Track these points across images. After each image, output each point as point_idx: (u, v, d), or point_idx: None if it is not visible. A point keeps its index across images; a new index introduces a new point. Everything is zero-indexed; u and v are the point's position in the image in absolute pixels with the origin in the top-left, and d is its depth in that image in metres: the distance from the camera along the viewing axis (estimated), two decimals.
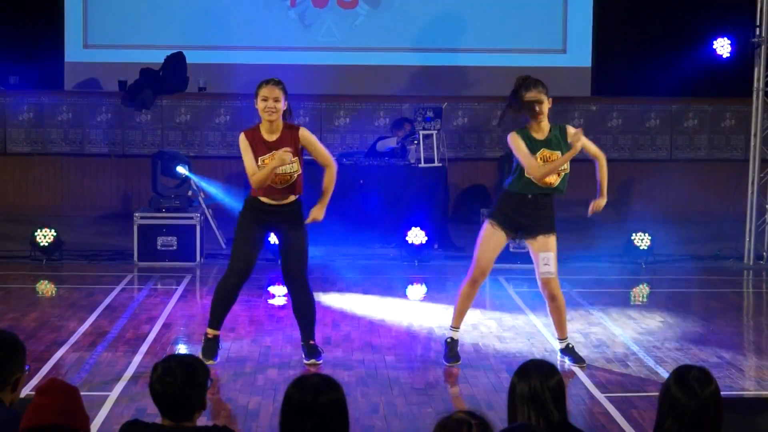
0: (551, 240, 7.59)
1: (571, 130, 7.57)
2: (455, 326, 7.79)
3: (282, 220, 7.50)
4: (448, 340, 7.79)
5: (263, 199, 7.47)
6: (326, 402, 3.56)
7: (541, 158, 7.47)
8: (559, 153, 7.47)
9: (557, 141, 7.52)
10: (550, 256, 7.54)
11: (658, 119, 15.67)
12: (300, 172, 7.44)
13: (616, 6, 16.43)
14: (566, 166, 7.54)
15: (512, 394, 3.95)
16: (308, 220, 7.60)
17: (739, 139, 15.49)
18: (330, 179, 7.61)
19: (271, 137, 7.43)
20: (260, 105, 7.39)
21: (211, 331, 7.71)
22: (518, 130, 7.57)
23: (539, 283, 7.65)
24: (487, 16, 16.28)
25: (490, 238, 7.56)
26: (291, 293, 7.71)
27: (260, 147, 7.40)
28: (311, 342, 7.74)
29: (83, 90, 15.87)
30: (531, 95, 7.45)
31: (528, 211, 7.53)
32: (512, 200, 7.55)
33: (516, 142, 7.47)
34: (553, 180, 7.53)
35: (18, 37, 15.77)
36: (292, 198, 7.52)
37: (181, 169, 12.18)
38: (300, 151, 7.49)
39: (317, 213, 7.63)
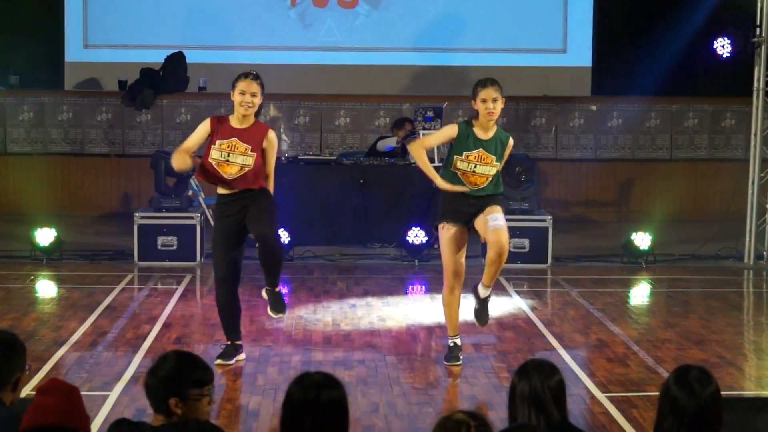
0: (496, 206, 7.48)
1: (509, 147, 7.53)
2: (452, 334, 7.78)
3: (244, 204, 7.41)
4: (451, 344, 7.78)
5: (222, 190, 7.48)
6: (328, 400, 3.57)
7: (475, 156, 7.42)
8: (493, 158, 7.44)
9: (496, 147, 7.46)
10: (498, 214, 7.41)
11: (658, 119, 15.66)
12: (252, 168, 7.37)
13: (617, 6, 16.43)
14: (495, 173, 7.45)
15: (513, 394, 3.96)
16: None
17: (739, 138, 15.48)
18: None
19: (239, 125, 7.45)
20: (237, 98, 7.40)
21: (226, 341, 7.75)
22: (463, 122, 7.56)
23: (489, 240, 7.38)
24: (487, 16, 16.28)
25: (450, 239, 7.50)
26: (258, 245, 7.46)
27: (224, 131, 7.41)
28: (276, 290, 7.65)
29: (83, 90, 15.86)
30: (482, 94, 7.41)
31: (473, 202, 7.46)
32: (454, 196, 7.46)
33: (442, 129, 7.59)
34: (481, 182, 7.47)
35: (18, 36, 15.76)
36: (245, 188, 7.43)
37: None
38: (262, 150, 7.44)
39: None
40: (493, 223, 7.40)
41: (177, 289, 10.42)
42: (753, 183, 12.43)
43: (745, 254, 12.28)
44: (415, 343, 8.51)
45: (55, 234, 11.71)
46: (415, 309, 9.82)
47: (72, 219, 13.97)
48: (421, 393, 7.07)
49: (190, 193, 12.39)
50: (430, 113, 12.55)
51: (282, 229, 11.26)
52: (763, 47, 12.24)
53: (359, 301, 9.95)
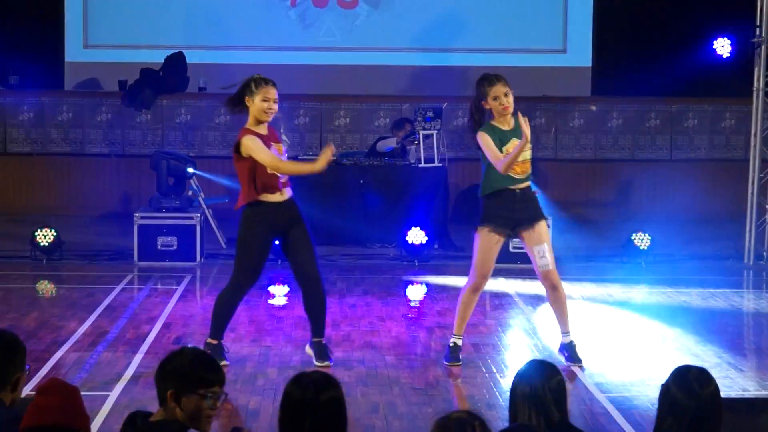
0: (544, 229, 7.57)
1: (520, 117, 7.55)
2: (458, 333, 7.74)
3: (286, 218, 7.46)
4: (451, 344, 7.76)
5: (268, 198, 7.43)
6: (325, 400, 3.56)
7: (513, 147, 7.43)
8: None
9: (521, 131, 7.51)
10: (544, 249, 7.53)
11: (658, 119, 15.67)
12: None
13: (617, 6, 16.44)
14: (528, 152, 7.52)
15: (513, 394, 3.96)
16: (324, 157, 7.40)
17: (739, 139, 15.48)
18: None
19: (264, 131, 7.48)
20: (261, 105, 7.38)
21: (212, 341, 7.65)
22: (484, 126, 7.52)
23: (539, 276, 7.64)
24: (487, 16, 16.28)
25: (489, 242, 7.49)
26: (304, 290, 7.62)
27: (264, 141, 7.42)
28: (323, 341, 7.72)
29: (83, 90, 15.87)
30: (493, 92, 7.42)
31: (519, 206, 7.51)
32: (499, 200, 7.50)
33: (485, 140, 7.44)
34: (527, 167, 7.50)
35: (18, 36, 15.76)
36: (290, 192, 7.53)
37: (190, 170, 12.27)
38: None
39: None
40: (541, 262, 7.52)
41: (177, 289, 10.42)
42: (753, 183, 12.42)
43: (745, 254, 12.28)
44: (414, 343, 8.51)
45: (55, 234, 11.71)
46: (415, 309, 9.83)
47: (72, 219, 13.97)
48: (420, 393, 7.07)
49: (189, 193, 12.40)
50: (429, 114, 12.55)
51: None
52: (763, 47, 12.24)
53: (359, 301, 9.95)
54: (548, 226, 7.63)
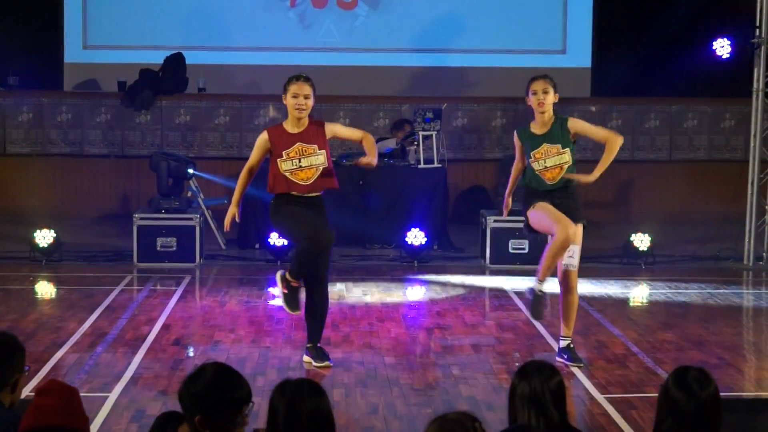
0: (579, 231, 7.62)
1: (573, 124, 7.67)
2: (542, 279, 7.65)
3: (310, 213, 7.46)
4: (538, 292, 7.67)
5: (291, 192, 7.43)
6: (309, 409, 3.50)
7: (542, 152, 7.58)
8: (559, 146, 7.59)
9: (558, 134, 7.62)
10: (575, 249, 7.59)
11: (657, 120, 15.66)
12: (327, 165, 7.45)
13: (616, 6, 16.43)
14: (569, 159, 7.60)
15: (513, 395, 3.96)
16: (362, 162, 7.50)
17: (738, 139, 15.48)
18: (369, 146, 7.54)
19: (297, 130, 7.44)
20: (291, 101, 7.38)
21: (294, 281, 7.52)
22: (520, 129, 7.80)
23: (559, 273, 7.65)
24: (486, 17, 16.28)
25: (546, 207, 7.53)
26: (309, 293, 7.59)
27: (285, 140, 7.40)
28: (319, 345, 7.73)
29: (83, 91, 15.86)
30: (532, 87, 7.64)
31: (558, 194, 7.60)
32: (539, 191, 7.62)
33: (515, 143, 7.85)
34: (557, 173, 7.55)
35: (17, 37, 15.75)
36: (318, 192, 7.51)
37: (190, 171, 12.28)
38: (327, 144, 7.50)
39: (369, 159, 7.48)
40: (567, 260, 7.60)
41: (176, 290, 10.41)
42: (752, 184, 12.42)
43: (745, 255, 12.29)
44: (414, 344, 8.50)
45: (54, 235, 11.71)
46: (415, 310, 9.82)
47: (71, 220, 13.97)
48: (420, 394, 7.07)
49: (189, 194, 12.40)
50: (429, 114, 12.55)
51: None
52: (762, 48, 12.24)
53: (358, 302, 9.95)
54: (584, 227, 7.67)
